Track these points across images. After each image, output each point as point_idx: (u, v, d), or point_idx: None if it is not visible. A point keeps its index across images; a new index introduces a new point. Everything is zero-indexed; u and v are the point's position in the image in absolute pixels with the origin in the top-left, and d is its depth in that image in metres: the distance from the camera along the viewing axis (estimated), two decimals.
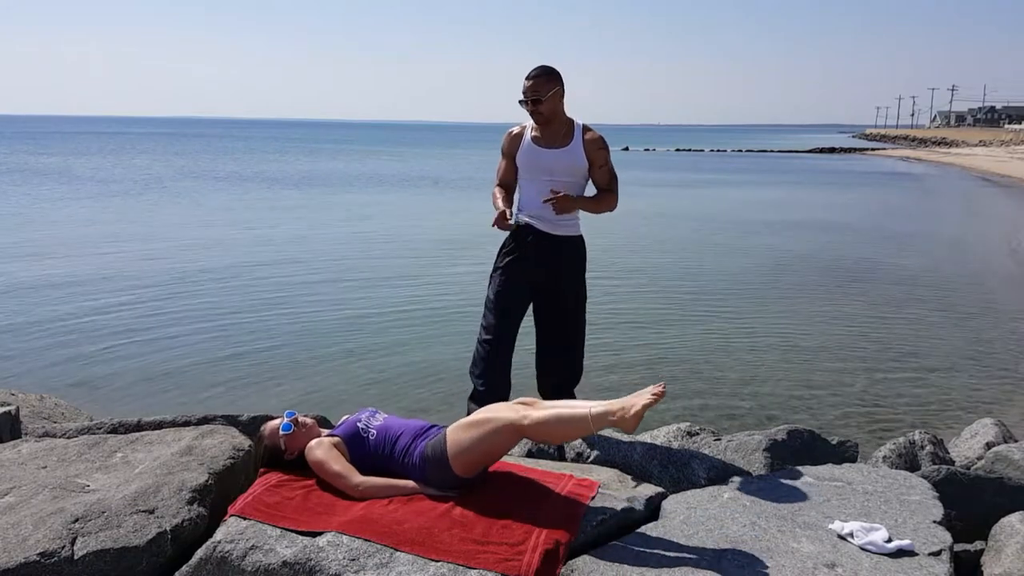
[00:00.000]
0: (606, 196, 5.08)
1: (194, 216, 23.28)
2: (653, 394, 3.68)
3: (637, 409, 3.65)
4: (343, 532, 3.45)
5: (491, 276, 5.11)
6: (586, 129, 5.00)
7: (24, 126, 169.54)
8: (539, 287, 5.04)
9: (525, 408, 3.88)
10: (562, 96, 4.92)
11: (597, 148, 4.98)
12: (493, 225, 4.87)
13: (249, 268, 15.05)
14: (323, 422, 4.96)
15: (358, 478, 3.84)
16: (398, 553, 3.33)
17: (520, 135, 5.04)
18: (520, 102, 4.88)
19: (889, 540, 3.45)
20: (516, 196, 5.13)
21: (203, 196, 29.63)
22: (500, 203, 4.98)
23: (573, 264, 5.08)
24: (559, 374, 5.20)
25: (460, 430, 3.85)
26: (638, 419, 3.68)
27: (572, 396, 5.23)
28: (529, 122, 5.02)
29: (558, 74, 4.88)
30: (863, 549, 3.42)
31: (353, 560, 3.30)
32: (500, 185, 5.13)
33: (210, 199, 28.56)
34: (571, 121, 5.00)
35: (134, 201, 27.12)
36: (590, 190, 5.16)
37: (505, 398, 4.97)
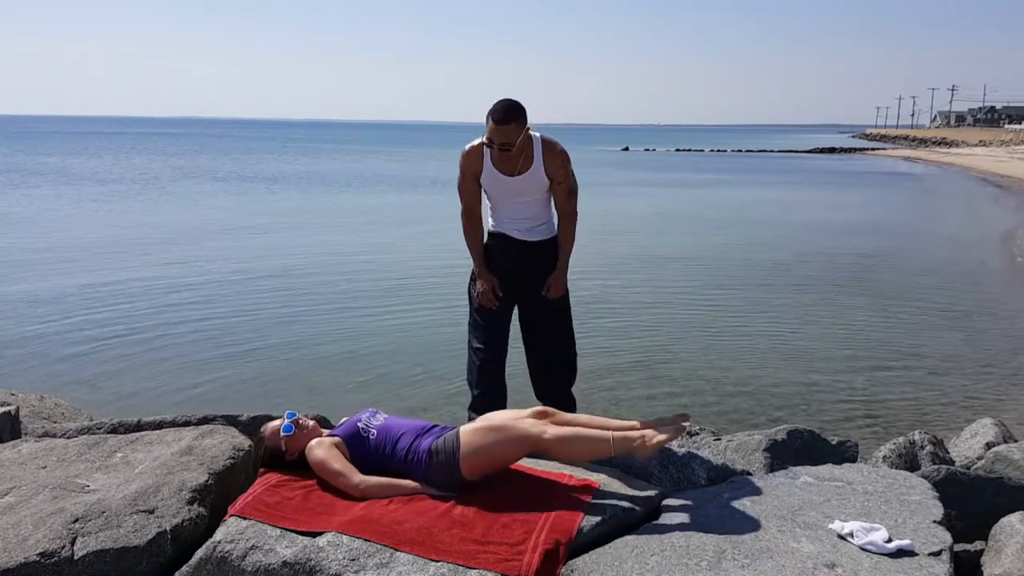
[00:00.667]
0: (568, 229, 5.01)
1: (193, 217, 23.27)
2: (675, 429, 3.82)
3: (659, 439, 3.78)
4: (343, 532, 3.45)
5: (471, 285, 5.11)
6: (546, 144, 4.83)
7: (25, 126, 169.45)
8: (520, 292, 5.03)
9: (544, 422, 3.89)
10: (527, 129, 4.75)
11: (557, 167, 4.85)
12: (478, 299, 4.99)
13: (249, 269, 15.04)
14: (323, 422, 4.96)
15: (358, 477, 3.84)
16: (398, 553, 3.33)
17: (479, 155, 4.86)
18: (486, 145, 4.72)
19: (889, 540, 3.45)
20: (487, 212, 5.12)
21: (202, 197, 29.62)
22: (478, 263, 5.03)
23: (551, 267, 5.05)
24: (553, 376, 5.18)
25: (475, 433, 3.86)
26: (655, 450, 3.81)
27: (570, 396, 5.22)
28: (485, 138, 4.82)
29: (524, 112, 4.70)
30: (863, 549, 3.42)
31: (353, 560, 3.30)
32: (467, 211, 5.04)
33: (209, 200, 28.55)
34: (530, 139, 4.82)
35: (132, 202, 27.12)
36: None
37: (503, 404, 4.97)
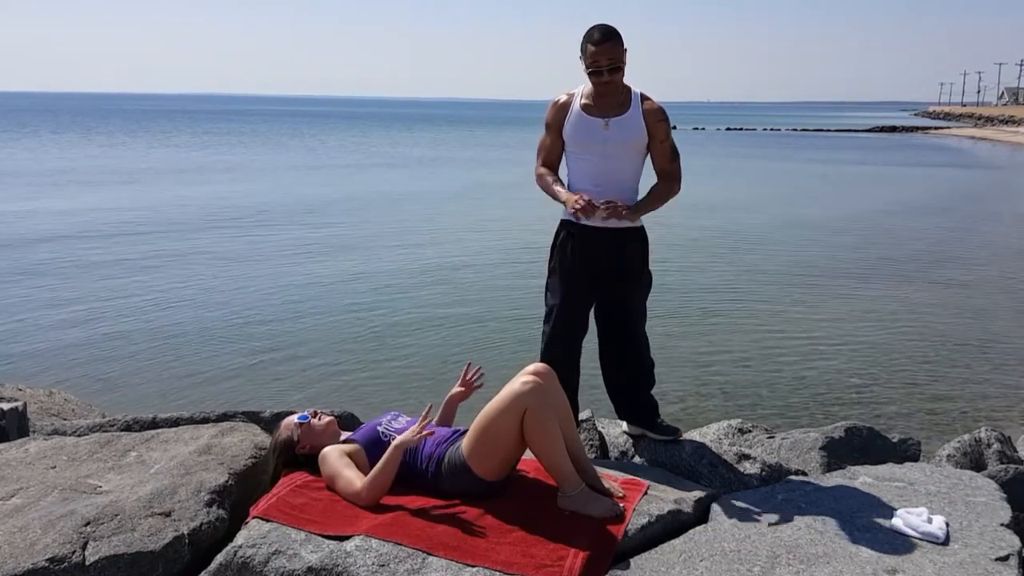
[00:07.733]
0: (666, 187, 4.64)
1: (216, 206, 23.32)
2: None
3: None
4: (372, 535, 3.44)
5: (547, 280, 4.73)
6: (644, 98, 4.59)
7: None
8: (593, 287, 4.66)
9: (533, 378, 3.78)
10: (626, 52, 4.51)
11: (658, 120, 4.54)
12: (573, 211, 4.43)
13: (273, 262, 15.04)
14: (349, 420, 4.95)
15: (357, 486, 3.74)
16: (431, 558, 3.32)
17: (567, 104, 4.62)
18: (590, 72, 4.44)
19: (929, 520, 3.60)
20: (564, 178, 4.71)
21: (224, 186, 29.72)
22: (559, 189, 4.58)
23: (624, 262, 4.64)
24: (623, 384, 4.87)
25: (472, 427, 3.82)
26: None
27: (649, 401, 4.91)
28: (577, 89, 4.64)
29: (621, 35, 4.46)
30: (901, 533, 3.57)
31: (383, 566, 3.29)
32: (544, 165, 4.70)
33: (228, 188, 28.63)
34: (628, 88, 4.59)
35: (150, 188, 27.23)
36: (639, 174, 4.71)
37: (573, 396, 4.74)
